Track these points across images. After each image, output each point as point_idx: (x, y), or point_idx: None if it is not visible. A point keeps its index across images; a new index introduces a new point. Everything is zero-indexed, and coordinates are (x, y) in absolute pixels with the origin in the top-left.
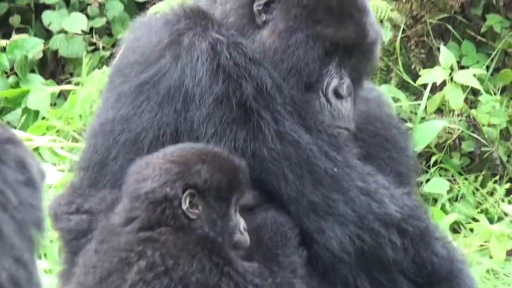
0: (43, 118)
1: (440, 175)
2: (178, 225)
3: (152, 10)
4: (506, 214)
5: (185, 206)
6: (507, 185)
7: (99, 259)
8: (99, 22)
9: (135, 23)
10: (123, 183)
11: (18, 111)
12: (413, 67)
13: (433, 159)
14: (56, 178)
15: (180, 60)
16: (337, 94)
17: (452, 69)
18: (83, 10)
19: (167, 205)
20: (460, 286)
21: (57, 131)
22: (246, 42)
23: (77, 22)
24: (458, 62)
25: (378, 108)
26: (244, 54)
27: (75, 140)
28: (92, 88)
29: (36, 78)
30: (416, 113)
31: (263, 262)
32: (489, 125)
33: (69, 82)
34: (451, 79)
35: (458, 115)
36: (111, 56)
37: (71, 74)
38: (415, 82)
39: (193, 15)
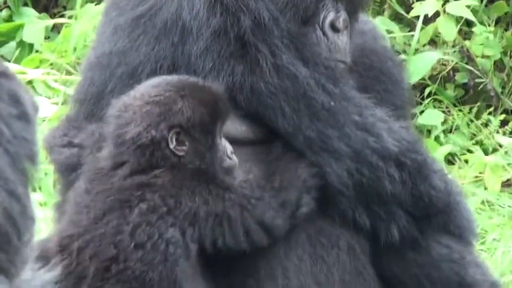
0: (37, 51)
1: (434, 107)
2: (169, 165)
3: None
4: (500, 146)
5: (172, 145)
6: (502, 116)
7: (92, 200)
8: None
9: None
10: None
11: (12, 44)
12: None
13: (427, 90)
14: (49, 111)
15: None
16: (334, 28)
17: (445, 0)
18: None
19: (155, 148)
20: (457, 219)
21: (51, 64)
22: None
23: None
24: None
25: (373, 41)
26: None
27: (68, 73)
28: (86, 21)
29: (29, 12)
30: (409, 45)
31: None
32: (483, 56)
33: (62, 16)
34: (444, 10)
35: (452, 47)
36: None
37: (64, 8)
38: (408, 13)
39: None
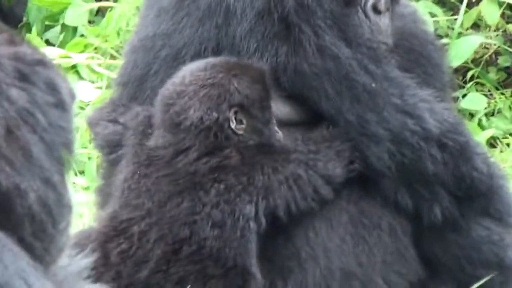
0: (81, 35)
1: (477, 90)
2: (233, 144)
3: None
4: None
5: (233, 125)
6: None
7: (153, 183)
8: None
9: None
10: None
11: (57, 28)
12: None
13: (469, 74)
14: (93, 95)
15: None
16: (376, 9)
17: None
18: None
19: (218, 129)
20: (498, 202)
21: (95, 48)
22: None
23: None
24: None
25: (413, 24)
26: None
27: (112, 57)
28: (127, 4)
29: None
30: (453, 29)
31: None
32: None
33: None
34: None
35: (494, 30)
36: None
37: None
38: None
39: None
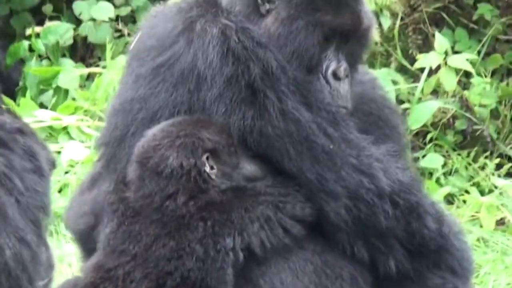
0: (73, 98)
1: (436, 151)
2: (211, 186)
3: (171, 0)
4: (496, 187)
5: (207, 169)
6: (497, 160)
7: (140, 230)
8: (125, 11)
9: (151, 12)
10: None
11: (50, 92)
12: (410, 52)
13: (429, 136)
14: (83, 154)
15: (193, 45)
16: (336, 76)
17: (446, 53)
18: None
19: (197, 173)
20: (449, 259)
21: (85, 111)
22: (253, 27)
23: (104, 10)
24: (452, 48)
25: (372, 90)
26: (251, 38)
27: (100, 119)
28: (117, 71)
29: (67, 62)
30: (413, 95)
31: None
32: (480, 105)
33: (97, 66)
34: (446, 63)
35: (452, 96)
36: None
37: (99, 58)
38: (412, 66)
39: (204, 4)
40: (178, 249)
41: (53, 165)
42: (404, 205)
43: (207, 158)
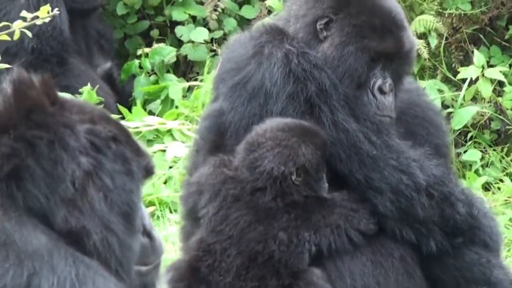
0: (176, 107)
1: (475, 147)
2: (294, 191)
3: (255, 25)
4: None
5: (294, 177)
6: None
7: (238, 215)
8: (218, 34)
9: (229, 41)
10: (237, 152)
11: (158, 101)
12: (453, 66)
13: (469, 135)
14: (184, 152)
15: (262, 66)
16: (381, 91)
17: (483, 67)
18: (206, 24)
19: (283, 179)
20: (480, 237)
21: (185, 116)
22: (311, 52)
23: (201, 34)
24: (488, 62)
25: (417, 97)
26: (309, 61)
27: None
28: (210, 84)
29: (171, 77)
30: (456, 101)
31: None
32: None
33: (196, 80)
34: (483, 74)
35: (488, 102)
36: None
37: (198, 73)
38: (455, 77)
39: (272, 31)
40: (265, 234)
41: (148, 171)
42: (438, 196)
43: (297, 169)
